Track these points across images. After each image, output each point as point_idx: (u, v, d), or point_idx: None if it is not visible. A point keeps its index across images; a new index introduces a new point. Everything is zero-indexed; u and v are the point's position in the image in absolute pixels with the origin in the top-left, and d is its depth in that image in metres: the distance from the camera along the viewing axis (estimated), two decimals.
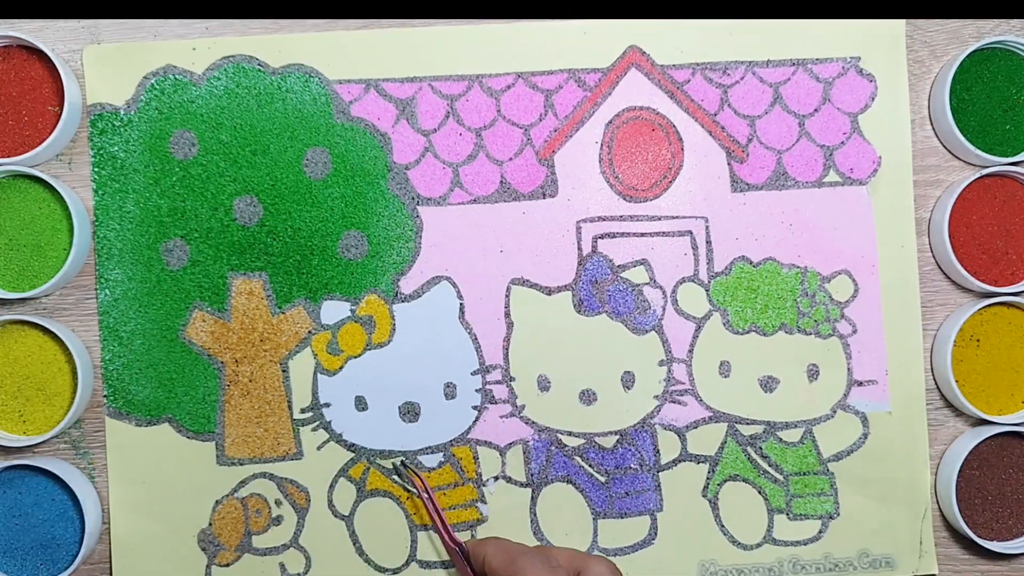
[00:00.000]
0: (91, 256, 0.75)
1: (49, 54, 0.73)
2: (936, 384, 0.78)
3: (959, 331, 0.76)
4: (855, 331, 0.77)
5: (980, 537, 0.75)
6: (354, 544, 0.76)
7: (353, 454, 0.76)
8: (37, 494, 0.74)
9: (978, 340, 0.77)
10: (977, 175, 0.76)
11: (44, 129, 0.74)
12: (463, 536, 0.76)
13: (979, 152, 0.75)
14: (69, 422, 0.73)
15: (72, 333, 0.75)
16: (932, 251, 0.78)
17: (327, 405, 0.76)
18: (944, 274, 0.78)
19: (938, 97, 0.76)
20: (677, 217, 0.77)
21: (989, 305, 0.76)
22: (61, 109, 0.74)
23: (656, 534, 0.76)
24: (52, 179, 0.73)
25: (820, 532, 0.77)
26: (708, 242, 0.77)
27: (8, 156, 0.74)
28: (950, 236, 0.76)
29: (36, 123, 0.75)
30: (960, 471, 0.75)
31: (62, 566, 0.73)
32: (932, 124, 0.78)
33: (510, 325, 0.76)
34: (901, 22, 0.78)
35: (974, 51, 0.76)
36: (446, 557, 0.76)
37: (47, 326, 0.73)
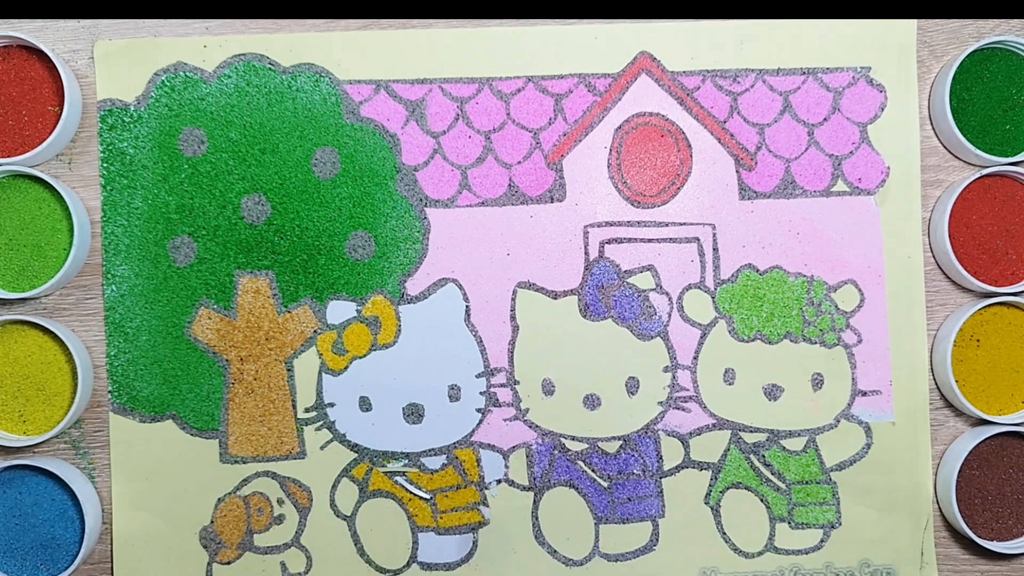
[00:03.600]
0: (91, 256, 0.75)
1: (49, 54, 0.73)
2: (936, 384, 0.78)
3: (959, 331, 0.76)
4: (860, 341, 0.77)
5: (980, 537, 0.75)
6: (355, 544, 0.76)
7: (356, 454, 0.76)
8: (37, 494, 0.73)
9: (978, 340, 0.77)
10: (977, 175, 0.76)
11: (44, 129, 0.74)
12: (466, 538, 0.76)
13: (979, 152, 0.76)
14: (69, 422, 0.72)
15: (72, 333, 0.74)
16: (932, 251, 0.78)
17: (331, 405, 0.75)
18: (944, 274, 0.78)
19: (938, 97, 0.77)
20: (684, 224, 0.77)
21: (989, 305, 0.76)
22: (61, 109, 0.73)
23: (658, 540, 0.77)
24: (52, 179, 0.72)
25: (822, 541, 0.77)
26: (715, 249, 0.77)
27: (8, 156, 0.73)
28: (950, 236, 0.76)
29: (36, 123, 0.74)
30: (960, 471, 0.75)
31: (62, 566, 0.73)
32: (932, 124, 0.79)
33: (515, 328, 0.76)
34: (912, 30, 0.78)
35: (974, 51, 0.76)
36: (449, 559, 0.76)
37: (47, 326, 0.72)
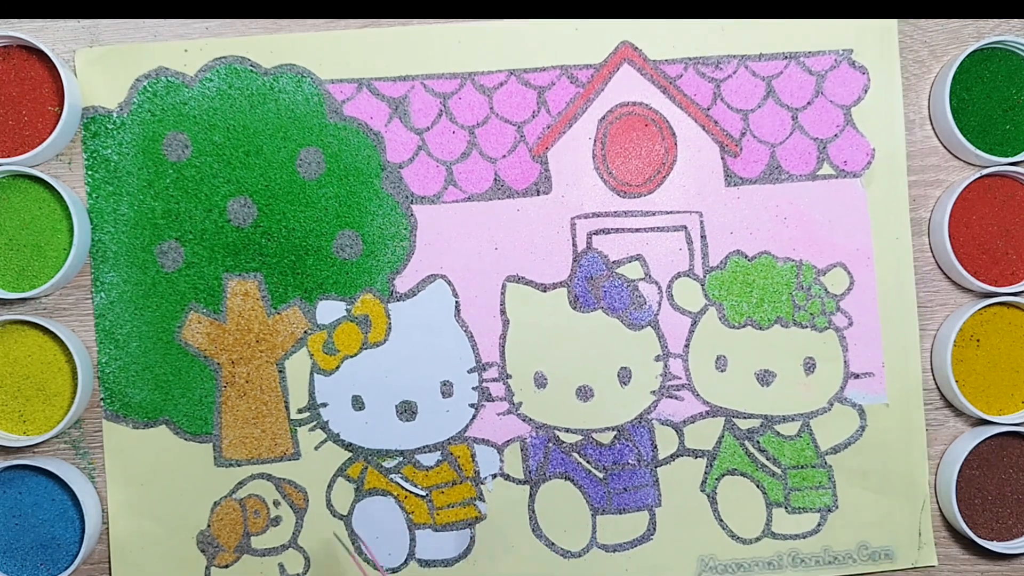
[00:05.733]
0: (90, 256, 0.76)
1: (49, 54, 0.73)
2: (936, 384, 0.77)
3: (959, 331, 0.75)
4: (851, 324, 0.76)
5: (980, 537, 0.75)
6: (353, 543, 0.76)
7: (351, 453, 0.76)
8: (37, 494, 0.74)
9: (978, 340, 0.76)
10: (977, 175, 0.75)
11: (44, 129, 0.75)
12: (464, 534, 0.76)
13: (979, 152, 0.75)
14: (69, 422, 0.73)
15: (72, 333, 0.75)
16: (932, 251, 0.78)
17: (324, 405, 0.76)
18: (944, 274, 0.78)
19: (938, 97, 0.76)
20: (671, 212, 0.77)
21: (989, 305, 0.76)
22: (61, 109, 0.74)
23: (655, 529, 0.76)
24: (52, 179, 0.73)
25: (819, 525, 0.76)
26: (703, 236, 0.77)
27: (8, 156, 0.74)
28: (950, 236, 0.76)
29: (36, 123, 0.75)
30: (960, 471, 0.75)
31: (62, 566, 0.73)
32: (932, 124, 0.78)
33: (506, 323, 0.77)
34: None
35: (974, 51, 0.76)
36: (447, 555, 0.76)
37: (47, 326, 0.73)
